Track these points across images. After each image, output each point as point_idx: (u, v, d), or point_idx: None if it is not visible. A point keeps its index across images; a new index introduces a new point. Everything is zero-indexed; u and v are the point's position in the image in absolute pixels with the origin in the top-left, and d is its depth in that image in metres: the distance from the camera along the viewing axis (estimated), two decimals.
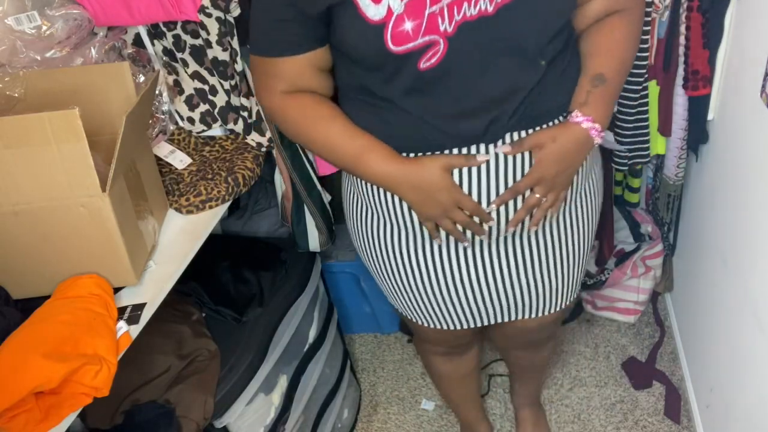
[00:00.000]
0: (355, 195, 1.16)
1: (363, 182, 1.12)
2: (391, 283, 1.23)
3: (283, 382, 1.42)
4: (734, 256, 1.41)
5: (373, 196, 1.11)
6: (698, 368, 1.70)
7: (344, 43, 0.95)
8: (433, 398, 1.89)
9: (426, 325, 1.27)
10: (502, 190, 1.04)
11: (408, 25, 0.89)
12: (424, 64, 0.93)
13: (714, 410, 1.55)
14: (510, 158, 1.03)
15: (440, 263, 1.14)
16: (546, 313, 1.27)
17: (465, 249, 1.13)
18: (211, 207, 1.23)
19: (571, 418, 1.78)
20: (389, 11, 0.89)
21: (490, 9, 0.90)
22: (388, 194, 1.08)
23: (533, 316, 1.27)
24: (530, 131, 1.03)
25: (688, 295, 1.82)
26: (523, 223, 1.09)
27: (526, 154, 1.03)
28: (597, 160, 1.19)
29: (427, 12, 0.89)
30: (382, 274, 1.23)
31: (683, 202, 1.78)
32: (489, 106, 0.99)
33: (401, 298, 1.24)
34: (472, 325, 1.26)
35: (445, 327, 1.25)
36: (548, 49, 0.98)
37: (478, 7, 0.89)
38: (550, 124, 1.05)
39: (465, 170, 1.03)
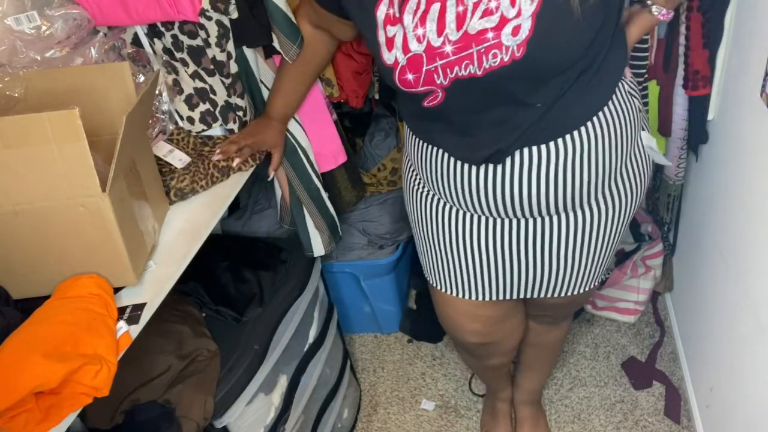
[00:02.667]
0: (409, 164, 1.28)
1: (418, 153, 1.21)
2: (432, 248, 1.30)
3: (283, 382, 1.42)
4: (734, 256, 1.41)
5: (422, 166, 1.21)
6: (698, 368, 1.70)
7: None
8: (433, 398, 1.90)
9: (455, 293, 1.30)
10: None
11: (410, 76, 1.02)
12: (427, 104, 1.06)
13: (714, 410, 1.55)
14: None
15: (477, 232, 1.22)
16: (574, 292, 1.29)
17: (503, 222, 1.19)
18: (195, 191, 1.24)
19: (571, 418, 1.78)
20: (396, 61, 1.02)
21: (479, 72, 0.99)
22: (430, 166, 1.19)
23: (561, 294, 1.29)
24: (542, 147, 1.08)
25: (688, 295, 1.82)
26: (565, 200, 1.13)
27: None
28: (638, 142, 1.18)
29: (424, 69, 1.01)
30: (425, 239, 1.30)
31: (683, 202, 1.78)
32: (491, 140, 1.08)
33: (438, 263, 1.30)
34: (500, 297, 1.29)
35: (473, 297, 1.29)
36: (549, 90, 1.02)
37: (468, 71, 0.99)
38: (567, 138, 1.08)
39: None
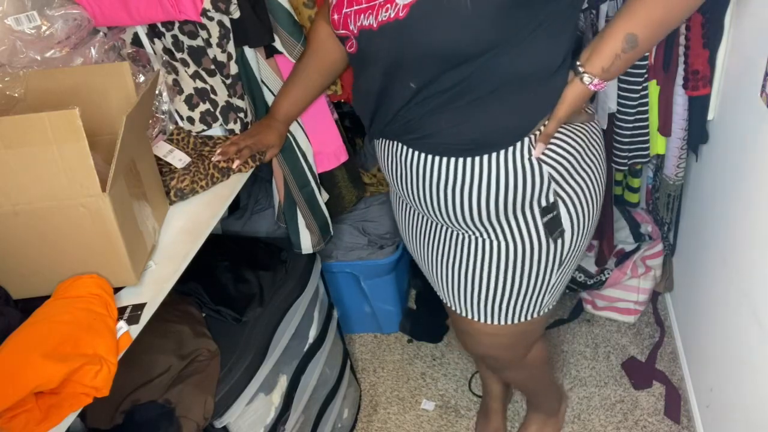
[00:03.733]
0: None
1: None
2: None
3: (283, 382, 1.42)
4: (734, 256, 1.41)
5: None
6: (698, 368, 1.70)
7: None
8: (433, 398, 1.90)
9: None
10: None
11: (336, 16, 1.08)
12: (348, 49, 1.11)
13: (714, 410, 1.55)
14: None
15: (405, 214, 1.32)
16: (462, 312, 1.28)
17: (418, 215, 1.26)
18: (195, 191, 1.24)
19: (571, 418, 1.78)
20: (330, 3, 1.09)
21: (374, 25, 1.01)
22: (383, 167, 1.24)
23: (453, 308, 1.30)
24: (413, 150, 1.11)
25: (688, 295, 1.82)
26: (431, 212, 1.18)
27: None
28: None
29: (343, 11, 1.06)
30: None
31: (683, 202, 1.78)
32: (372, 107, 1.13)
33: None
34: (432, 283, 1.35)
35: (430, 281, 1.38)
36: (424, 73, 1.02)
37: (368, 21, 1.02)
38: (442, 159, 1.09)
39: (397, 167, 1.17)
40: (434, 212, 1.18)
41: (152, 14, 1.18)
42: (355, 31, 1.05)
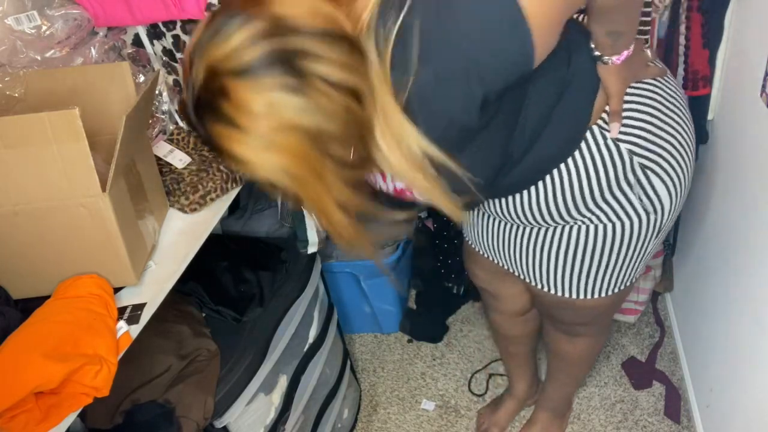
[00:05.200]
0: None
1: None
2: None
3: (283, 382, 1.42)
4: (734, 256, 1.41)
5: None
6: (698, 368, 1.70)
7: None
8: (433, 398, 1.89)
9: (467, 238, 1.45)
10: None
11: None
12: None
13: (714, 410, 1.55)
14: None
15: None
16: (550, 290, 1.28)
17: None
18: (212, 200, 1.23)
19: (571, 418, 1.78)
20: None
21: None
22: None
23: (536, 285, 1.29)
24: None
25: (688, 295, 1.82)
26: (520, 219, 1.16)
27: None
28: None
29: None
30: None
31: None
32: None
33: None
34: (487, 256, 1.38)
35: (472, 244, 1.43)
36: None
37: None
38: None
39: None
40: (524, 219, 1.17)
41: (155, 14, 1.18)
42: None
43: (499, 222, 1.28)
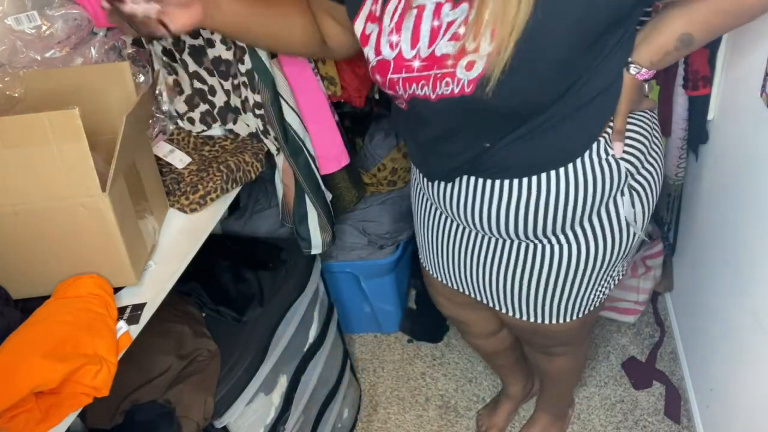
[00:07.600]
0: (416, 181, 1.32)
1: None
2: (420, 232, 1.38)
3: (283, 382, 1.42)
4: (735, 256, 1.41)
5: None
6: (698, 368, 1.70)
7: None
8: (433, 398, 1.90)
9: (431, 273, 1.40)
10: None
11: (378, 77, 1.01)
12: (397, 103, 1.06)
13: (714, 410, 1.55)
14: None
15: (448, 230, 1.27)
16: (524, 318, 1.27)
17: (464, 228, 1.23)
18: (212, 200, 1.23)
19: (571, 418, 1.78)
20: (367, 58, 1.01)
21: (433, 97, 0.96)
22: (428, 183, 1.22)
23: (511, 315, 1.28)
24: (487, 180, 1.09)
25: (688, 295, 1.82)
26: (508, 232, 1.14)
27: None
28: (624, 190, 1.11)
29: (388, 76, 0.99)
30: (417, 223, 1.38)
31: (683, 202, 1.78)
32: (438, 161, 1.11)
33: (423, 245, 1.39)
34: (459, 289, 1.35)
35: (440, 279, 1.39)
36: (496, 132, 1.01)
37: (423, 92, 0.96)
38: (507, 182, 1.08)
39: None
40: (502, 232, 1.14)
41: None
42: (406, 97, 1.00)
43: (460, 244, 1.25)
